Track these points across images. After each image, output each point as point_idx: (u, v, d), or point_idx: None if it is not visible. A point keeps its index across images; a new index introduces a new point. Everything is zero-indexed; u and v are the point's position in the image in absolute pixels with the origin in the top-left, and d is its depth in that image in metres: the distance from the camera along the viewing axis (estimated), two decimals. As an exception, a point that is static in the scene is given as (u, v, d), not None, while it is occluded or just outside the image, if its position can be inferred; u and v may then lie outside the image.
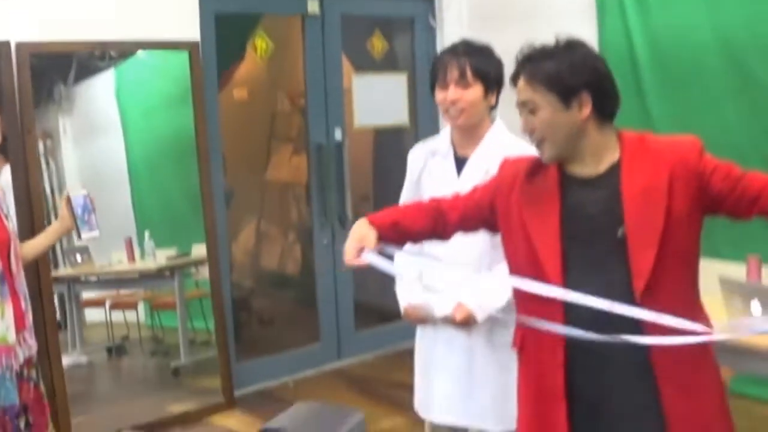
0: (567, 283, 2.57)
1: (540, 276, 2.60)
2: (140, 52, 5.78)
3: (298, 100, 7.49)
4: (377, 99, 6.77)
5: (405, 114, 6.87)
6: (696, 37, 5.44)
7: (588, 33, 5.87)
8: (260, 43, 6.27)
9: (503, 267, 3.07)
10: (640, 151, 2.61)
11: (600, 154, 2.62)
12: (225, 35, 5.86)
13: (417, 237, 2.94)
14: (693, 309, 2.58)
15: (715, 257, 4.67)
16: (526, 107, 2.61)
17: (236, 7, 5.98)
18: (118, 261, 6.16)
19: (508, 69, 2.73)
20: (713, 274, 4.08)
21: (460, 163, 3.56)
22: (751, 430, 4.49)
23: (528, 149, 3.12)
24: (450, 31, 6.86)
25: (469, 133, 3.54)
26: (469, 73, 3.44)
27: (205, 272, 5.80)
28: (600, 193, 2.60)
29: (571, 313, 2.54)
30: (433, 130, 6.76)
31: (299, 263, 7.72)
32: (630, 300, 2.47)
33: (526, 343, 2.74)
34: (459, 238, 3.12)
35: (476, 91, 3.45)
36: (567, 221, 2.61)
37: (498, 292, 3.37)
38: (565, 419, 2.59)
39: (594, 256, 2.58)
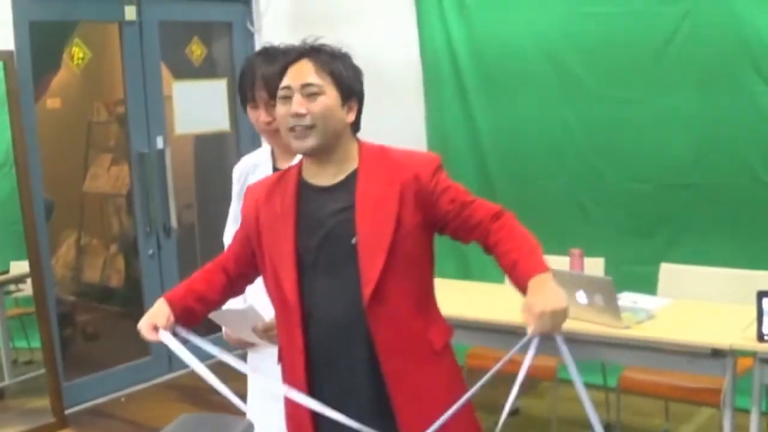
0: (302, 290, 2.64)
1: (278, 286, 2.67)
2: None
3: (116, 108, 7.35)
4: (197, 105, 6.71)
5: (226, 120, 6.84)
6: (516, 42, 5.62)
7: (408, 38, 5.99)
8: (77, 51, 6.12)
9: None
10: (377, 161, 2.67)
11: (343, 162, 2.67)
12: (40, 43, 5.69)
13: (215, 297, 2.94)
14: (425, 314, 2.67)
15: (547, 253, 4.83)
16: (307, 90, 2.61)
17: (51, 15, 5.80)
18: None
19: (356, 53, 2.80)
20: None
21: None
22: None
23: None
24: (268, 35, 6.86)
25: (286, 145, 3.57)
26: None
27: (25, 289, 5.64)
28: (336, 201, 2.64)
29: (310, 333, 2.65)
30: (254, 135, 6.77)
31: (123, 275, 7.58)
32: (359, 305, 2.55)
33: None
34: None
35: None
36: (302, 229, 2.65)
37: None
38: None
39: (329, 263, 2.63)
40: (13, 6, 5.39)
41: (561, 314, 2.41)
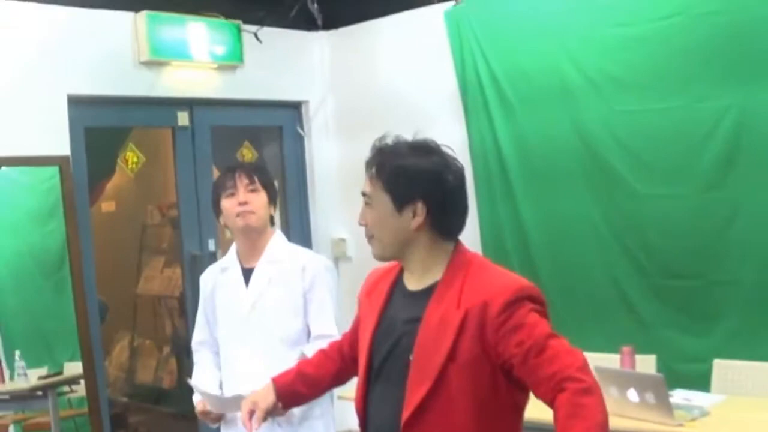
0: (367, 393, 2.61)
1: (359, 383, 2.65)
2: (5, 168, 5.69)
3: (169, 211, 7.46)
4: (248, 208, 6.78)
5: (276, 221, 6.90)
6: (559, 139, 5.66)
7: (458, 137, 6.07)
8: (131, 156, 6.27)
9: (314, 348, 3.36)
10: (458, 277, 2.50)
11: (426, 269, 2.55)
12: (95, 149, 5.82)
13: (325, 382, 2.96)
14: None
15: (590, 350, 4.80)
16: (365, 199, 2.58)
17: (106, 121, 5.97)
18: (-14, 383, 5.97)
19: None
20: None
21: (247, 273, 3.81)
22: None
23: (305, 254, 3.76)
24: (317, 138, 6.99)
25: (253, 244, 3.82)
26: (257, 180, 3.75)
27: (79, 390, 5.67)
28: (413, 310, 2.54)
29: None
30: (305, 236, 6.84)
31: (175, 376, 7.61)
32: (399, 424, 2.45)
33: None
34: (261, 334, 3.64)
35: (263, 197, 3.76)
36: (380, 332, 2.60)
37: None
38: None
39: (389, 373, 2.56)
40: (69, 112, 5.54)
41: None
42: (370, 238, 2.58)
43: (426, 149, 2.57)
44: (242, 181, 3.75)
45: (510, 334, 2.36)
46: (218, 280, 3.95)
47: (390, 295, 2.65)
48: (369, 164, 2.58)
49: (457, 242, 2.59)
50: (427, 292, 2.53)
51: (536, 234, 5.85)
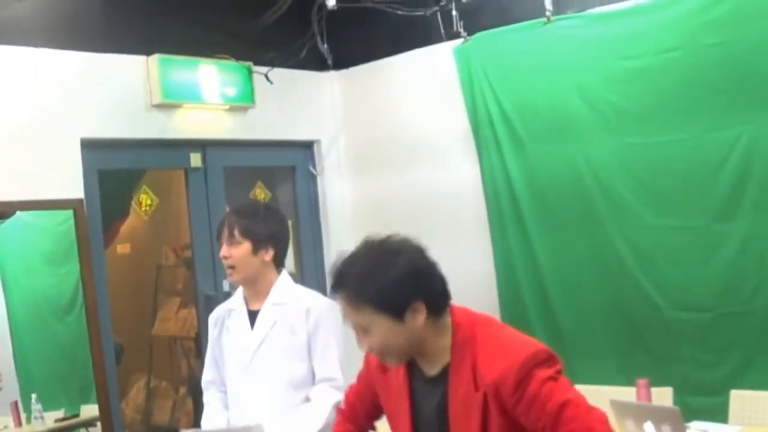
0: None
1: None
2: (19, 212, 5.72)
3: (183, 252, 7.49)
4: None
5: (290, 260, 6.92)
6: (569, 174, 5.67)
7: (470, 174, 6.09)
8: (144, 198, 6.32)
9: (320, 391, 3.57)
10: (465, 357, 2.51)
11: (437, 355, 2.56)
12: (109, 191, 5.86)
13: None
14: None
15: (605, 384, 4.79)
16: (359, 330, 2.52)
17: (120, 164, 6.03)
18: (3, 426, 5.97)
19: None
20: (605, 398, 4.19)
21: (252, 316, 3.82)
22: None
23: (308, 296, 3.79)
24: (330, 177, 7.03)
25: (254, 288, 3.84)
26: (236, 232, 3.71)
27: (96, 432, 5.69)
28: (436, 394, 2.57)
29: None
30: (319, 276, 6.85)
31: (191, 417, 7.61)
32: None
33: None
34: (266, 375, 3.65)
35: (244, 248, 3.71)
36: (416, 418, 2.63)
37: (312, 418, 3.65)
38: None
39: None
40: (82, 155, 5.59)
41: None
42: (382, 356, 2.57)
43: (390, 252, 2.52)
44: (224, 234, 3.76)
45: (528, 410, 2.40)
46: (225, 322, 3.96)
47: (409, 379, 2.66)
48: (347, 295, 2.51)
49: (451, 310, 2.59)
50: (443, 376, 2.55)
51: (549, 268, 5.85)
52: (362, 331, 2.50)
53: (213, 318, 4.05)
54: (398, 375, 2.66)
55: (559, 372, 2.47)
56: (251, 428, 3.50)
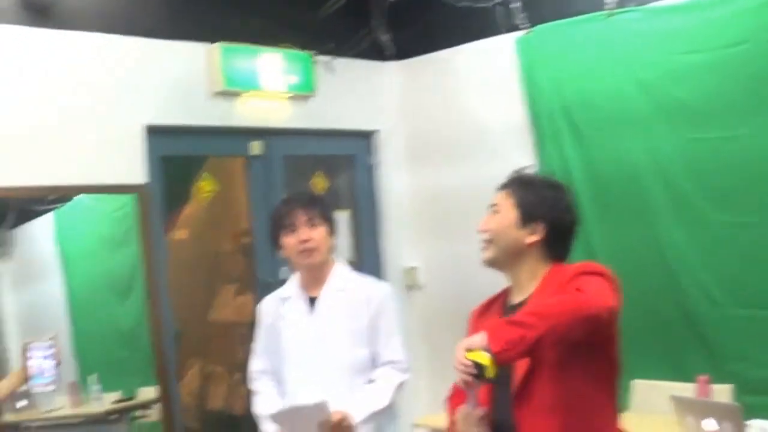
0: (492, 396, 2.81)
1: None
2: (80, 195, 5.80)
3: (241, 239, 7.53)
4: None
5: (348, 250, 6.95)
6: (628, 165, 5.64)
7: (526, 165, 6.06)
8: (205, 185, 6.37)
9: (384, 372, 3.68)
10: (548, 288, 2.83)
11: (527, 282, 2.89)
12: (171, 177, 5.92)
13: None
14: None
15: (663, 379, 4.78)
16: (492, 208, 2.93)
17: (182, 150, 6.09)
18: (61, 406, 6.05)
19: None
20: (665, 394, 4.19)
21: (310, 303, 3.89)
22: None
23: (368, 283, 3.87)
24: (389, 167, 7.04)
25: (315, 275, 3.90)
26: (316, 215, 3.82)
27: (150, 415, 5.75)
28: None
29: None
30: (378, 265, 6.87)
31: (246, 403, 7.65)
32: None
33: None
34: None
35: (323, 231, 3.84)
36: None
37: (377, 397, 3.76)
38: None
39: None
40: (146, 142, 5.65)
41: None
42: (488, 242, 2.91)
43: (557, 185, 3.03)
44: (301, 218, 3.82)
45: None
46: (279, 310, 3.99)
47: (503, 310, 2.95)
48: (506, 183, 2.98)
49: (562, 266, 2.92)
50: (525, 303, 2.83)
51: (607, 262, 5.78)
52: (494, 211, 2.93)
53: (264, 307, 4.09)
54: (496, 308, 2.99)
55: (612, 285, 2.78)
56: (317, 405, 3.54)
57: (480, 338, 2.51)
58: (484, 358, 2.48)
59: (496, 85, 6.44)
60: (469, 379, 2.51)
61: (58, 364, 3.91)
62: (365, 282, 3.97)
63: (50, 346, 3.92)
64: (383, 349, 3.84)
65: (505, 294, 3.01)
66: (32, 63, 5.24)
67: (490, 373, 2.49)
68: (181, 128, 5.92)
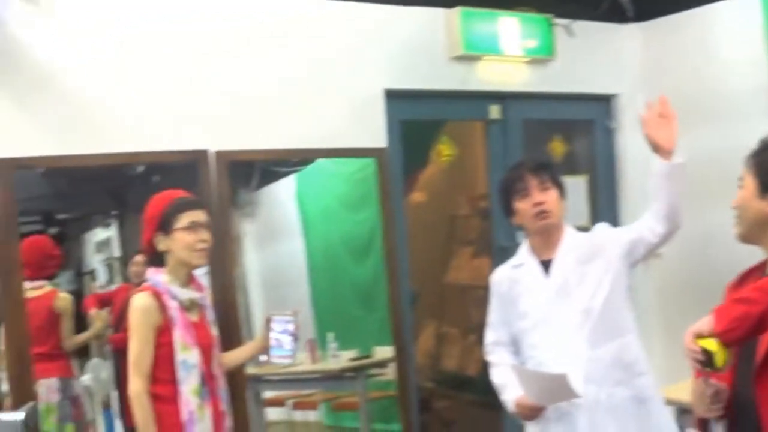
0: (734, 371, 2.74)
1: None
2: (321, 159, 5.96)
3: (478, 203, 7.57)
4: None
5: (586, 216, 6.86)
6: None
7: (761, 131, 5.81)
8: (444, 149, 6.42)
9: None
10: None
11: None
12: (409, 141, 6.01)
13: None
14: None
15: None
16: (739, 182, 2.87)
17: (421, 114, 6.16)
18: (300, 362, 6.27)
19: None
20: None
21: (544, 266, 3.87)
22: None
23: (602, 232, 3.94)
24: (629, 132, 6.88)
25: (548, 238, 3.89)
26: (547, 179, 3.83)
27: (387, 374, 5.90)
28: None
29: None
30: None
31: (479, 365, 7.71)
32: None
33: None
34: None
35: (555, 194, 3.85)
36: None
37: None
38: None
39: None
40: (386, 106, 5.75)
41: None
42: (737, 219, 2.86)
43: None
44: (532, 182, 3.82)
45: None
46: (513, 276, 4.00)
47: None
48: (750, 154, 2.88)
49: None
50: None
51: None
52: (740, 186, 2.87)
53: (497, 277, 4.11)
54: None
55: None
56: (559, 377, 3.55)
57: (708, 321, 2.43)
58: (713, 344, 2.39)
59: (740, 47, 6.16)
60: (698, 366, 2.44)
61: (296, 339, 4.04)
62: (595, 234, 3.99)
63: (290, 321, 4.05)
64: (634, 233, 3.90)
65: (763, 266, 2.89)
66: (281, 31, 5.42)
67: (719, 361, 2.40)
68: (419, 92, 5.98)
